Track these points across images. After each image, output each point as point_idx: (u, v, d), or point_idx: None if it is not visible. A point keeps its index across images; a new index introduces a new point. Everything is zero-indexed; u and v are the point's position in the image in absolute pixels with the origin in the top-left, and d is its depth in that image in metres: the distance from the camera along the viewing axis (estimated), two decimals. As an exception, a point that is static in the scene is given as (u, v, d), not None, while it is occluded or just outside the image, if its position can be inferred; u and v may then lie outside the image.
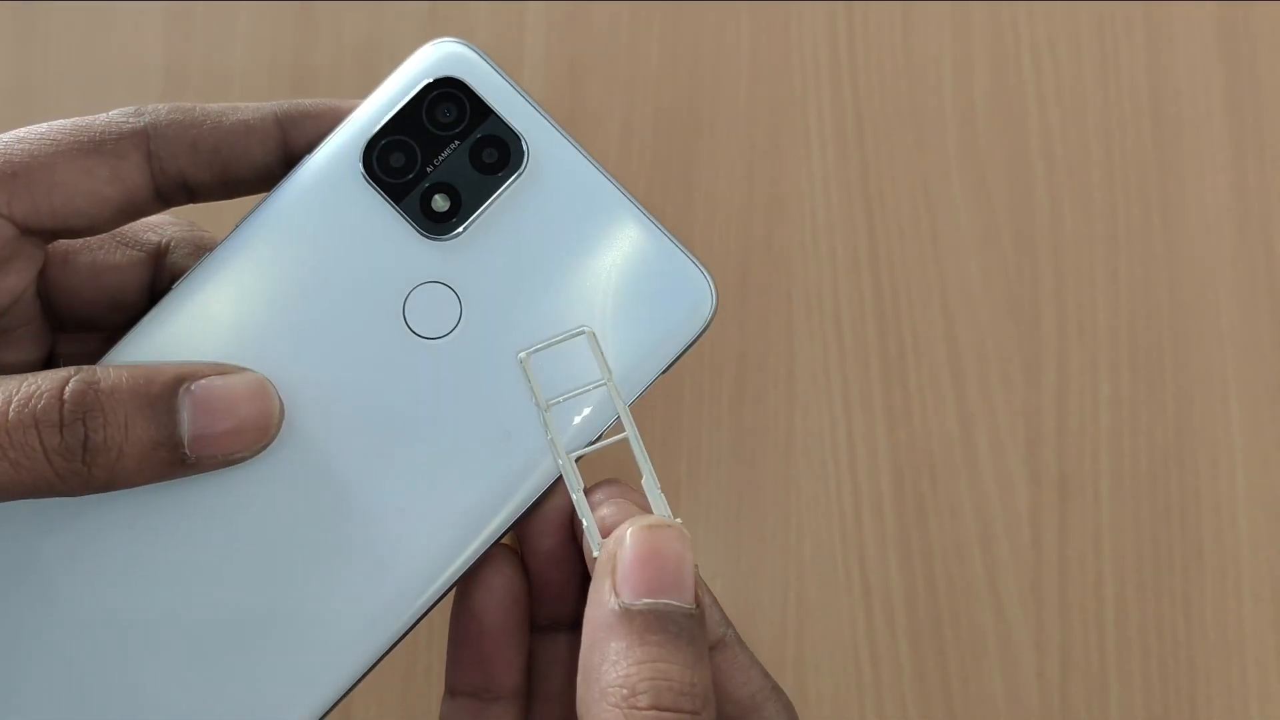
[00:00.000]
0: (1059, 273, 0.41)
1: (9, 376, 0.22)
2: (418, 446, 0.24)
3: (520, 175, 0.26)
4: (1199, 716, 0.38)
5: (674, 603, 0.22)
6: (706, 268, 0.26)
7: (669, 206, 0.41)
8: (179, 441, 0.23)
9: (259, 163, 0.26)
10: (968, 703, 0.39)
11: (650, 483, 0.25)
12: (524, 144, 0.26)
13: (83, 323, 0.27)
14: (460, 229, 0.25)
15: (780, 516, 0.40)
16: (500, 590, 0.26)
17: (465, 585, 0.26)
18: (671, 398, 0.40)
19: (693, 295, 0.26)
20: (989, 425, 0.40)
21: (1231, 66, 0.42)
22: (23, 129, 0.25)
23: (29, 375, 0.22)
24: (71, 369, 0.23)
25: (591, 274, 0.25)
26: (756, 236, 0.41)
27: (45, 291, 0.27)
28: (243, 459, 0.24)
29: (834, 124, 0.42)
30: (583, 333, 0.25)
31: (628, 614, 0.22)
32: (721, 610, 0.26)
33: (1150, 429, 0.40)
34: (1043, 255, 0.41)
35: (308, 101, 0.27)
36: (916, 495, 0.40)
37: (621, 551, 0.23)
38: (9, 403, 0.22)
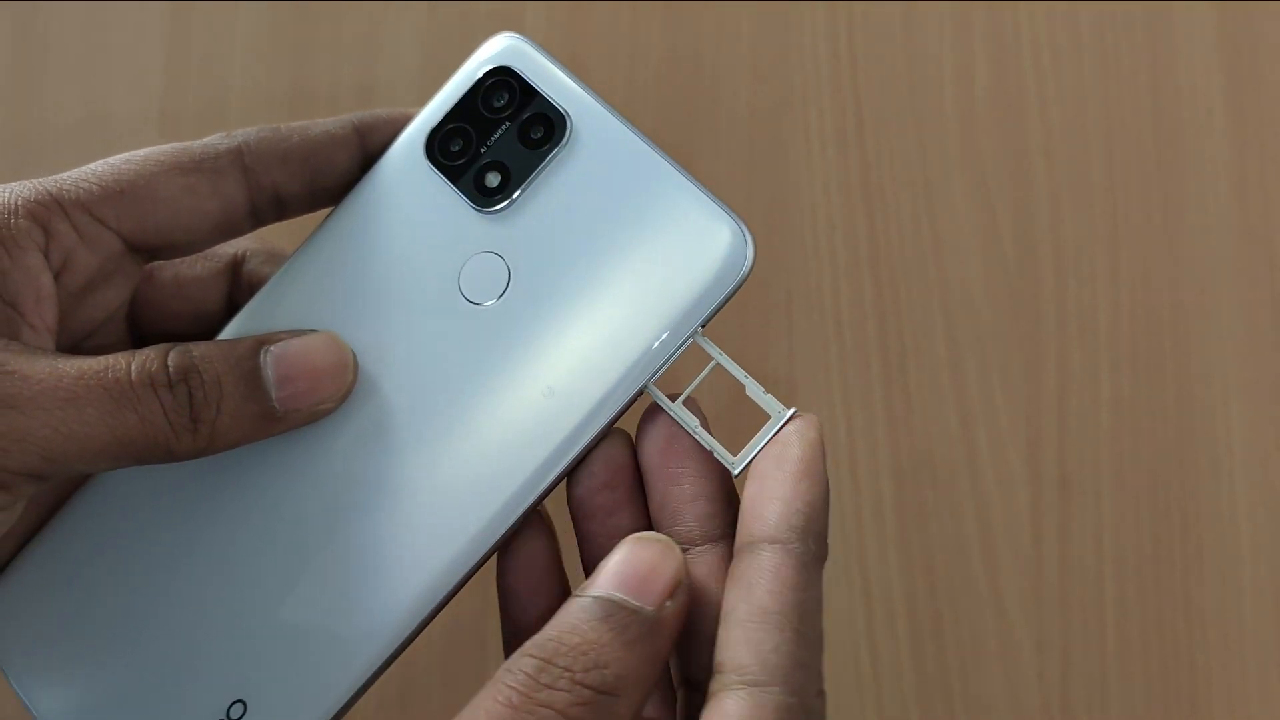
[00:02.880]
0: (1059, 272, 0.41)
1: (116, 354, 0.25)
2: (471, 404, 0.26)
3: (563, 147, 0.28)
4: (1199, 717, 0.38)
5: (628, 600, 0.23)
6: (744, 221, 0.27)
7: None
8: (267, 396, 0.25)
9: (343, 170, 0.28)
10: (968, 703, 0.39)
11: (755, 389, 0.27)
12: (567, 119, 0.28)
13: (163, 337, 0.28)
14: (507, 202, 0.27)
15: (780, 516, 0.40)
16: (532, 556, 0.27)
17: (501, 556, 0.27)
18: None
19: (730, 247, 0.27)
20: (989, 425, 0.40)
21: (1232, 66, 0.42)
22: (124, 154, 0.27)
23: (134, 351, 0.25)
24: (165, 344, 0.25)
25: (631, 233, 0.27)
26: (757, 236, 0.41)
27: (132, 308, 0.29)
28: (326, 410, 0.26)
29: (834, 124, 0.42)
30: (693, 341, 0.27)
31: (584, 599, 0.23)
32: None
33: (1151, 429, 0.40)
34: (1043, 255, 0.41)
35: (383, 110, 0.29)
36: (917, 495, 0.40)
37: (608, 558, 0.24)
38: (129, 368, 0.24)
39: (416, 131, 0.28)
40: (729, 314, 0.41)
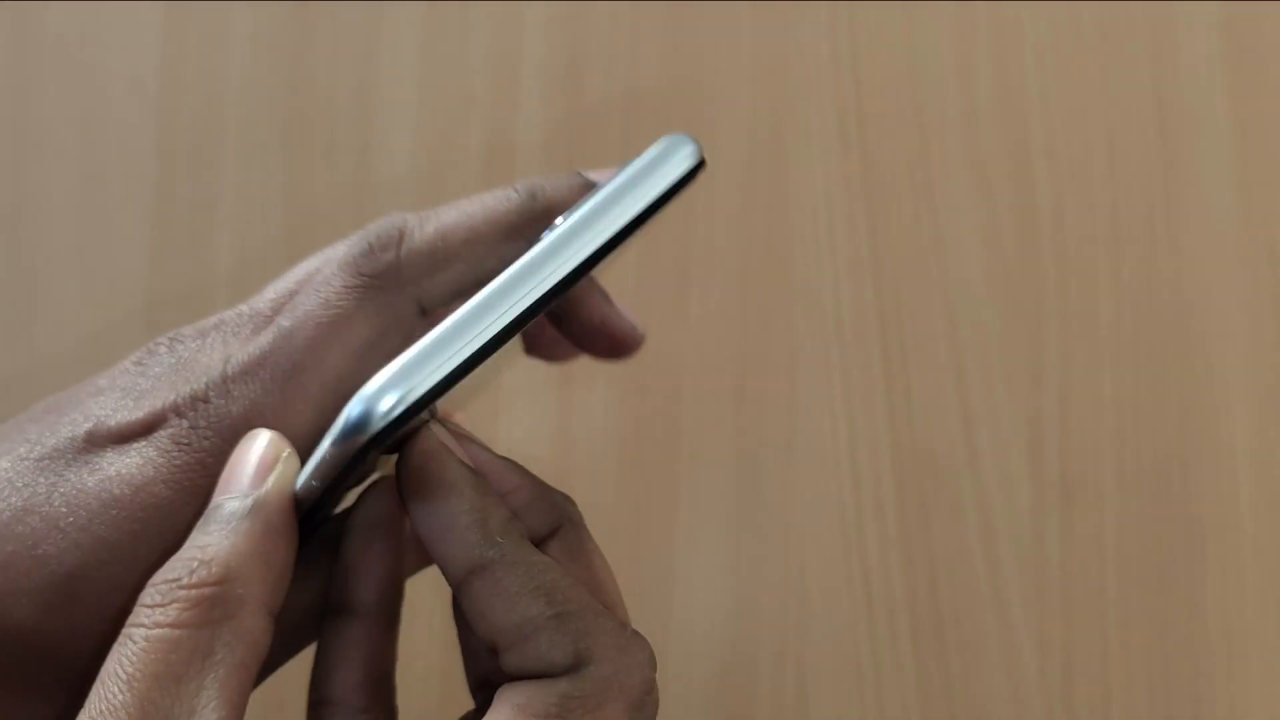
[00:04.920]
0: (1061, 272, 0.41)
1: None
2: None
3: None
4: (1202, 717, 0.38)
5: (222, 499, 0.23)
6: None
7: (668, 206, 0.41)
8: None
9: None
10: (970, 704, 0.38)
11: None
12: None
13: None
14: None
15: (781, 517, 0.39)
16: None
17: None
18: (671, 398, 0.40)
19: (675, 148, 0.26)
20: (991, 425, 0.40)
21: (1234, 66, 0.42)
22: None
23: None
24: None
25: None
26: (756, 236, 0.41)
27: None
28: None
29: (834, 123, 0.42)
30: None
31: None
32: (493, 529, 0.24)
33: (1153, 429, 0.40)
34: (1045, 255, 0.41)
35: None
36: (918, 496, 0.39)
37: None
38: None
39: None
40: (730, 314, 0.41)
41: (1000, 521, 0.39)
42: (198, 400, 0.24)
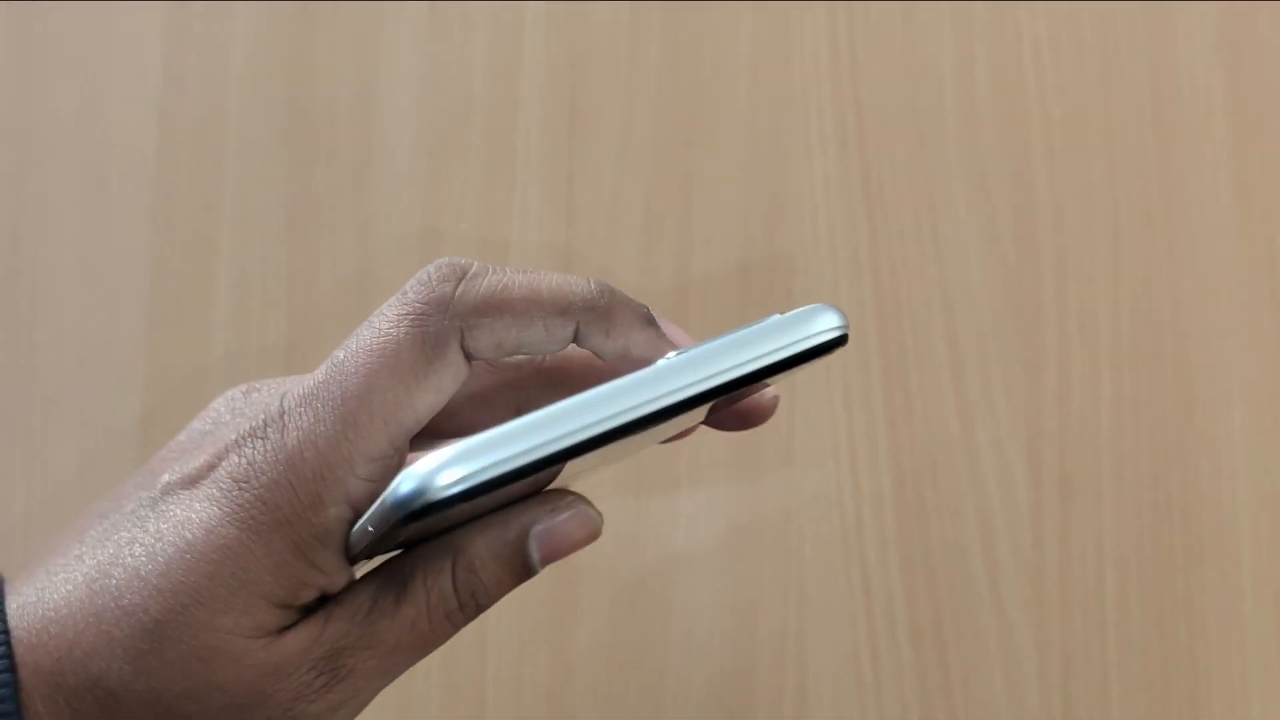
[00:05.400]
0: (1060, 272, 0.41)
1: (414, 599, 0.26)
2: None
3: None
4: (1200, 718, 0.38)
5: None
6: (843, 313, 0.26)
7: (669, 206, 0.41)
8: (531, 571, 0.27)
9: None
10: (968, 704, 0.39)
11: None
12: None
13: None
14: None
15: (781, 517, 0.40)
16: None
17: None
18: (671, 398, 0.40)
19: (816, 316, 0.25)
20: (990, 425, 0.40)
21: (1232, 66, 0.42)
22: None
23: (425, 586, 0.26)
24: (449, 559, 0.26)
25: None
26: (756, 236, 0.41)
27: None
28: None
29: (834, 123, 0.42)
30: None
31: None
32: None
33: (1152, 429, 0.40)
34: (1044, 255, 0.41)
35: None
36: (917, 495, 0.40)
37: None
38: (429, 619, 0.26)
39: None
40: (730, 314, 0.41)
41: (999, 521, 0.39)
42: (254, 437, 0.25)
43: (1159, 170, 0.41)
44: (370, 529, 0.24)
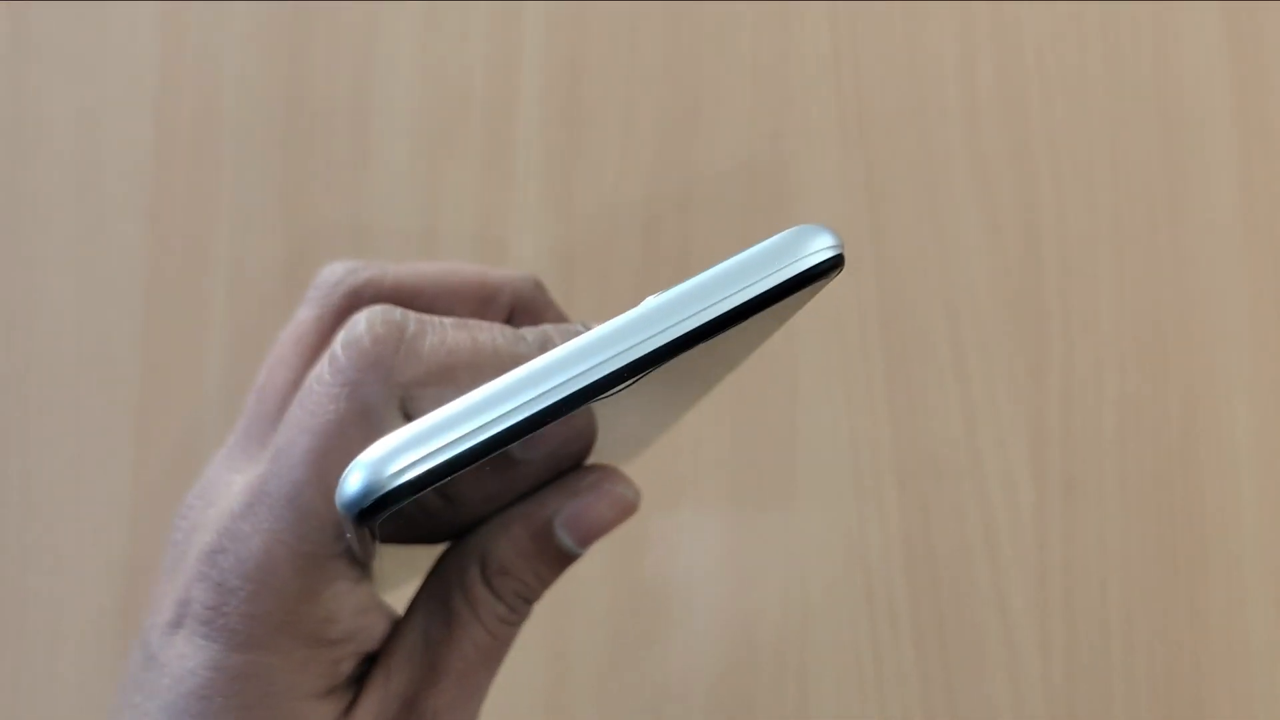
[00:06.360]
0: (1064, 271, 0.41)
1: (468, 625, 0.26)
2: None
3: None
4: (1205, 718, 0.38)
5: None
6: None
7: (669, 206, 0.41)
8: (570, 558, 0.26)
9: None
10: (971, 706, 0.38)
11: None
12: None
13: None
14: None
15: (782, 517, 0.39)
16: None
17: None
18: (672, 398, 0.40)
19: (806, 238, 0.22)
20: (993, 425, 0.40)
21: (1238, 65, 0.42)
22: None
23: (475, 606, 0.26)
24: (486, 572, 0.26)
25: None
26: (757, 236, 0.41)
27: None
28: None
29: (835, 123, 0.42)
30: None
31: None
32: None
33: (1156, 429, 0.40)
34: (1047, 254, 0.41)
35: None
36: (920, 496, 0.39)
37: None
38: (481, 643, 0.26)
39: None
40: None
41: (1002, 522, 0.39)
42: (216, 552, 0.23)
43: (1163, 168, 0.41)
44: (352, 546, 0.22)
